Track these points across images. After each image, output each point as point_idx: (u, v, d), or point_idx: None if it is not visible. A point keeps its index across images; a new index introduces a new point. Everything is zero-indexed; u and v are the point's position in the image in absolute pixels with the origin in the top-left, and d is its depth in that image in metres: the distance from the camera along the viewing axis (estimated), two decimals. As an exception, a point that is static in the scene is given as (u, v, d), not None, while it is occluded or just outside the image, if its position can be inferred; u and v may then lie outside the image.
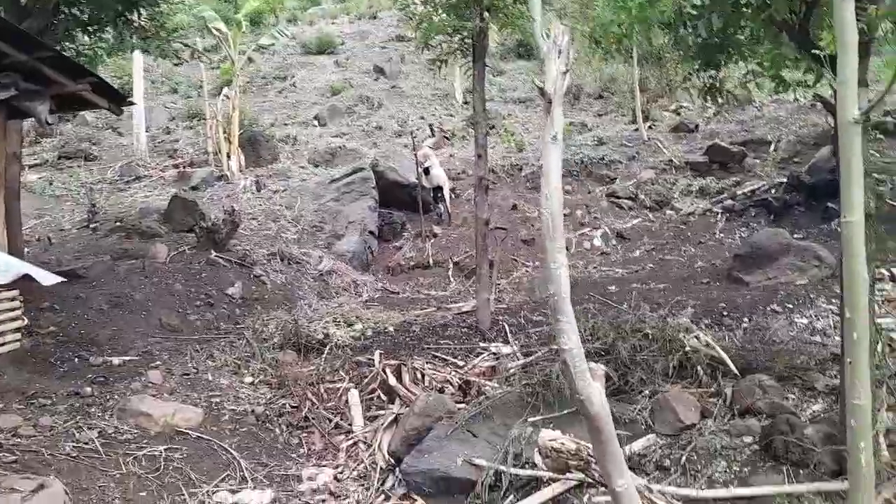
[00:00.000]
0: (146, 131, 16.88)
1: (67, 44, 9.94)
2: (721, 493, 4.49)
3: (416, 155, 13.46)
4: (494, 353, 7.78)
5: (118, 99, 8.65)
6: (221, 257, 10.18)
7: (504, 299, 10.36)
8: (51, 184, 14.56)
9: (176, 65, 23.77)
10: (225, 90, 16.16)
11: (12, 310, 6.87)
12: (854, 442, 2.25)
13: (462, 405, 6.59)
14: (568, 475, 5.07)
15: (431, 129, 17.21)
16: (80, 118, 18.40)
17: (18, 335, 6.91)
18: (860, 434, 2.24)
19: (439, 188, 13.55)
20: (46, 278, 5.11)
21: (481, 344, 8.05)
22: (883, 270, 8.23)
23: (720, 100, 6.66)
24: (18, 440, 5.35)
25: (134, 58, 16.41)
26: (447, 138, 17.15)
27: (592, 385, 2.35)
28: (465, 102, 20.25)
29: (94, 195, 13.27)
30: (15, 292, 6.84)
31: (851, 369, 2.25)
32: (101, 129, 18.54)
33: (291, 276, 10.62)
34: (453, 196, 14.12)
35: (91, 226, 11.56)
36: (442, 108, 20.51)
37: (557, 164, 2.40)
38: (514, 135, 16.64)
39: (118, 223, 11.25)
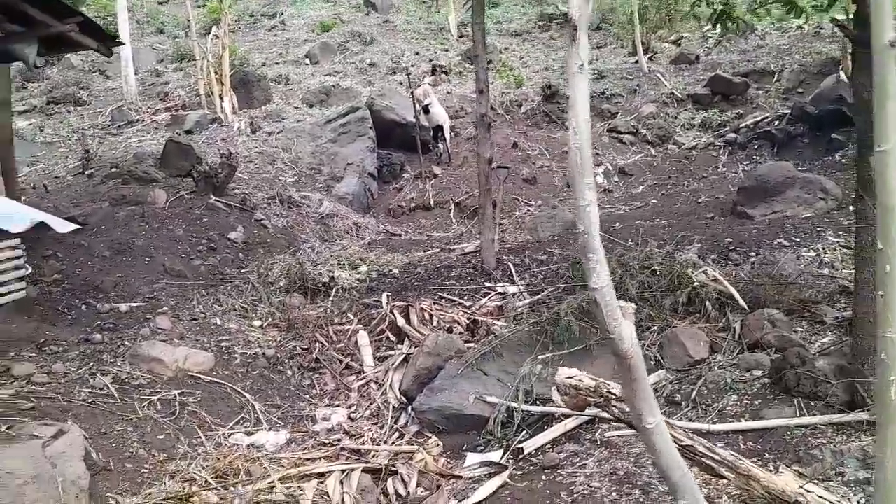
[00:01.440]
0: (135, 74, 16.43)
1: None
2: (734, 426, 4.54)
3: (412, 93, 13.14)
4: (501, 293, 7.77)
5: (107, 39, 8.35)
6: (221, 201, 10.07)
7: (507, 239, 10.33)
8: (41, 130, 14.26)
9: (161, 3, 23.09)
10: (214, 29, 15.64)
11: (15, 258, 6.79)
12: (885, 375, 2.23)
13: (471, 344, 6.63)
14: (580, 412, 5.12)
15: (434, 69, 16.60)
16: (65, 62, 17.86)
17: (23, 284, 6.85)
18: (892, 367, 2.21)
19: (440, 127, 13.25)
20: (62, 226, 5.03)
21: (487, 284, 8.04)
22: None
23: (730, 25, 6.45)
24: (33, 387, 5.37)
25: (117, -5, 15.84)
26: (445, 73, 16.67)
27: (623, 323, 2.32)
28: (461, 36, 19.71)
29: (86, 141, 13.00)
30: (17, 241, 6.75)
31: (884, 302, 2.21)
32: (88, 73, 18.04)
33: (292, 219, 10.54)
34: (453, 134, 13.87)
35: (86, 172, 11.36)
36: (437, 42, 19.97)
37: (585, 95, 2.28)
38: (513, 69, 16.25)
39: (114, 169, 11.05)
